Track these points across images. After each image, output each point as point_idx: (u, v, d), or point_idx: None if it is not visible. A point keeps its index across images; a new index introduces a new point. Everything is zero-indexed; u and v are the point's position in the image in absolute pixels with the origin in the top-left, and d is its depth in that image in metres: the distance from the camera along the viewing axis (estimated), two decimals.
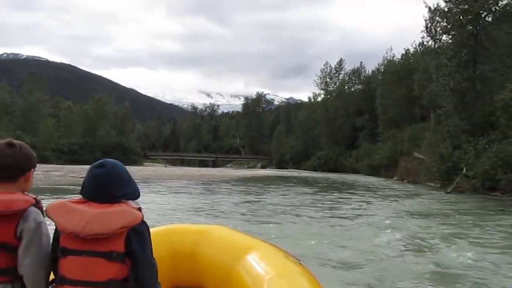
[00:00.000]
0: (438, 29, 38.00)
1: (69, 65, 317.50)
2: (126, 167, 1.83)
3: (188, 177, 30.71)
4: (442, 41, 37.85)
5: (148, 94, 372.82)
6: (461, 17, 26.07)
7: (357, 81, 69.35)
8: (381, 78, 59.00)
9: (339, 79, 71.64)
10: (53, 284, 1.71)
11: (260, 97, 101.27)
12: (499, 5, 25.96)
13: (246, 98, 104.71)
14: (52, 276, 1.73)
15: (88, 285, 1.63)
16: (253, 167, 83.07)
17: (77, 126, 63.34)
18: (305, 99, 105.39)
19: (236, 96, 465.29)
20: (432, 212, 12.63)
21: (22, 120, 57.72)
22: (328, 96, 70.64)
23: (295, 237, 8.00)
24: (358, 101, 65.09)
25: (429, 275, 5.86)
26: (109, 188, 1.70)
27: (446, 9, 27.88)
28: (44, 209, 1.72)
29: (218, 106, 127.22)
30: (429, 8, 34.11)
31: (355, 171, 52.87)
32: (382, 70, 59.61)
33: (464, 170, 21.41)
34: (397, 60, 56.03)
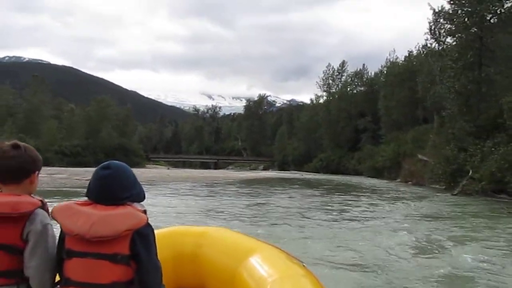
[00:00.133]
0: (442, 31, 38.00)
1: (71, 67, 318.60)
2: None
3: (192, 179, 30.72)
4: (446, 43, 37.85)
5: (150, 96, 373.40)
6: (466, 20, 26.03)
7: (359, 83, 69.29)
8: (383, 80, 59.00)
9: (341, 81, 71.61)
10: (59, 286, 1.71)
11: (262, 99, 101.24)
12: (504, 7, 25.91)
13: (248, 100, 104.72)
14: (57, 278, 1.72)
15: None
16: (255, 169, 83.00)
17: (79, 128, 63.40)
18: (307, 101, 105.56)
19: (238, 98, 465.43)
20: (442, 215, 12.57)
21: (25, 123, 57.82)
22: (331, 98, 70.60)
23: (307, 240, 7.98)
24: (360, 103, 65.01)
25: (440, 278, 5.83)
26: (114, 190, 1.69)
27: (450, 11, 27.82)
28: (50, 211, 1.72)
29: (220, 108, 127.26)
30: (434, 10, 34.02)
31: (358, 173, 52.77)
32: (385, 72, 59.58)
33: (470, 172, 21.33)
34: (400, 62, 55.98)
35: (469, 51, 25.25)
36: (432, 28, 39.33)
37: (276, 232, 8.65)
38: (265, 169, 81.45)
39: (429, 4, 33.83)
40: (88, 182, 1.74)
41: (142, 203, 1.79)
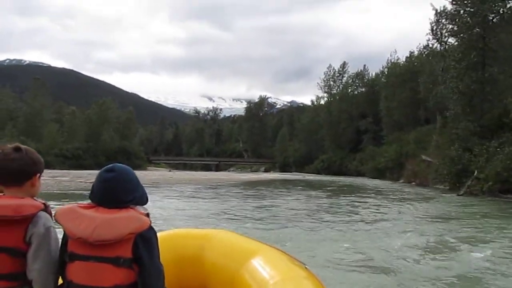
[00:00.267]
0: (444, 31, 38.00)
1: (71, 70, 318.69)
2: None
3: (196, 181, 30.73)
4: (448, 43, 37.83)
5: (150, 99, 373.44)
6: (468, 20, 26.00)
7: (360, 84, 69.24)
8: (384, 80, 58.95)
9: (342, 82, 71.59)
10: None
11: (263, 100, 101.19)
12: (507, 7, 25.89)
13: (249, 102, 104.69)
14: (60, 281, 1.72)
15: None
16: (256, 170, 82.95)
17: (80, 131, 63.35)
18: (307, 103, 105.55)
19: (238, 99, 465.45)
20: (451, 216, 12.51)
21: (26, 126, 57.82)
22: (332, 99, 70.55)
23: (317, 242, 7.95)
24: (361, 104, 64.94)
25: (450, 279, 5.80)
26: (118, 192, 1.69)
27: (453, 12, 27.80)
28: (53, 214, 1.72)
29: (221, 110, 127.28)
30: (436, 10, 33.99)
31: (359, 174, 52.70)
32: (386, 72, 59.53)
33: (476, 172, 21.26)
34: (402, 62, 55.95)
35: (472, 51, 25.22)
36: (434, 28, 39.36)
37: (286, 235, 8.60)
38: (266, 170, 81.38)
39: (431, 5, 33.84)
40: (92, 184, 1.74)
41: (145, 206, 1.78)
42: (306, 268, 2.36)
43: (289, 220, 10.78)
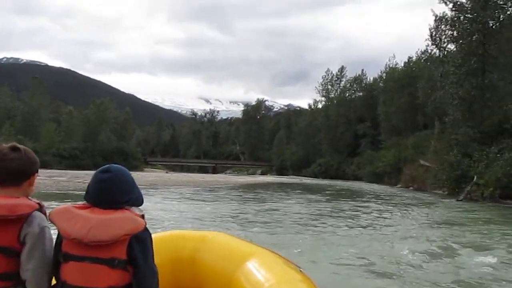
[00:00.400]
0: (443, 37, 38.17)
1: (68, 69, 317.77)
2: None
3: (194, 184, 30.66)
4: (447, 49, 37.99)
5: (147, 100, 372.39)
6: (468, 26, 26.12)
7: (358, 88, 69.39)
8: (382, 85, 59.12)
9: (340, 86, 71.74)
10: None
11: (260, 103, 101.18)
12: (507, 14, 26.04)
13: (246, 105, 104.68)
14: (54, 281, 1.72)
15: None
16: (253, 173, 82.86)
17: (77, 131, 63.13)
18: (304, 106, 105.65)
19: (235, 102, 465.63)
20: (454, 221, 12.48)
21: (23, 125, 57.55)
22: (329, 103, 70.66)
23: (320, 247, 7.88)
24: (359, 108, 65.09)
25: (453, 285, 5.76)
26: (114, 193, 1.69)
27: (454, 18, 27.92)
28: (48, 214, 1.71)
29: (218, 112, 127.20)
30: (436, 16, 34.15)
31: (357, 178, 52.75)
32: (384, 77, 59.69)
33: (475, 178, 21.30)
34: (400, 67, 56.14)
35: (472, 57, 25.31)
36: (433, 34, 39.52)
37: (290, 240, 8.52)
38: (263, 173, 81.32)
39: (432, 10, 33.97)
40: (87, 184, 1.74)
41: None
42: (301, 271, 2.36)
43: (292, 225, 10.72)
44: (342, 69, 73.10)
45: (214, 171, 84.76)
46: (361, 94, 68.22)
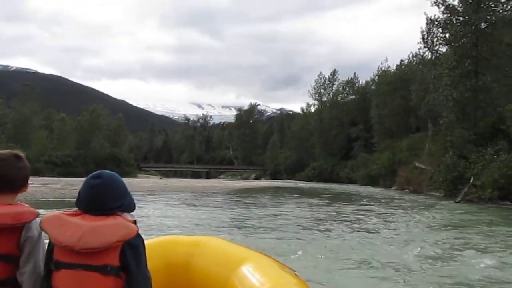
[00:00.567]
0: (435, 40, 38.53)
1: (59, 76, 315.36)
2: (122, 179, 1.82)
3: (191, 189, 30.54)
4: (439, 51, 38.33)
5: (139, 106, 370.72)
6: (462, 29, 26.37)
7: (351, 92, 69.74)
8: (374, 88, 59.47)
9: (332, 90, 72.06)
10: None
11: (253, 107, 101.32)
12: (498, 16, 26.31)
13: (239, 109, 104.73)
14: None
15: None
16: (247, 178, 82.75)
17: (70, 138, 62.63)
18: (296, 110, 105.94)
19: (227, 107, 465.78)
20: (455, 223, 12.48)
21: (14, 132, 56.96)
22: (322, 107, 70.90)
23: (326, 253, 7.79)
24: (352, 112, 65.41)
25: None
26: (105, 199, 1.68)
27: (447, 21, 28.18)
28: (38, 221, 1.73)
29: (210, 117, 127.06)
30: (429, 19, 34.44)
31: (351, 181, 52.85)
32: (376, 80, 60.05)
33: (472, 179, 21.42)
34: (393, 70, 56.54)
35: (466, 60, 25.52)
36: (425, 37, 39.86)
37: (292, 245, 8.42)
38: (257, 178, 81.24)
39: (425, 13, 34.26)
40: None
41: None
42: (296, 275, 2.35)
43: (295, 230, 10.60)
44: (334, 72, 73.52)
45: (208, 176, 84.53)
46: (353, 97, 68.57)
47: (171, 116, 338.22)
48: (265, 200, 21.39)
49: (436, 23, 32.05)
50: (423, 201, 21.78)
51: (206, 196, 24.17)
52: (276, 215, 13.64)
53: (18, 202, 1.76)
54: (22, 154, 1.81)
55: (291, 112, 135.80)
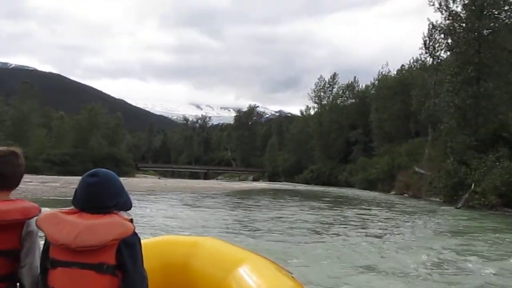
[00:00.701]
0: (437, 45, 38.63)
1: (58, 74, 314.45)
2: (121, 178, 1.83)
3: (190, 190, 30.49)
4: (440, 57, 38.43)
5: (137, 105, 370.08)
6: (464, 35, 26.41)
7: (350, 95, 69.78)
8: (374, 92, 59.53)
9: (332, 93, 72.11)
10: None
11: (252, 109, 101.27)
12: (502, 23, 26.36)
13: (238, 111, 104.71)
14: None
15: None
16: (245, 179, 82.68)
17: (68, 136, 62.38)
18: (295, 112, 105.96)
19: (226, 108, 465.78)
20: (461, 230, 12.43)
21: (13, 130, 56.72)
22: (321, 110, 70.94)
23: (331, 258, 7.77)
24: (352, 115, 65.46)
25: None
26: (102, 197, 1.68)
27: (450, 27, 28.24)
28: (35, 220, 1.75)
29: (210, 118, 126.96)
30: (432, 24, 34.51)
31: (349, 185, 52.90)
32: (377, 84, 60.11)
33: (473, 186, 21.42)
34: (393, 75, 56.62)
35: (469, 66, 25.54)
36: (427, 42, 39.96)
37: (297, 249, 8.39)
38: (255, 179, 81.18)
39: (428, 19, 34.36)
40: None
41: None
42: (293, 277, 2.35)
43: (302, 233, 10.60)
44: (334, 76, 73.56)
45: (206, 177, 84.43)
46: (353, 101, 68.62)
47: (169, 116, 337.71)
48: (267, 202, 21.36)
49: (439, 29, 32.11)
50: (424, 207, 21.77)
51: (207, 197, 24.13)
52: (280, 218, 13.60)
53: (18, 198, 1.79)
54: (19, 152, 1.82)
55: (289, 115, 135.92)
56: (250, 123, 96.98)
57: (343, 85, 70.91)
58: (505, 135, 21.86)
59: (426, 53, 41.01)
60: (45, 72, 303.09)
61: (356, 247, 9.01)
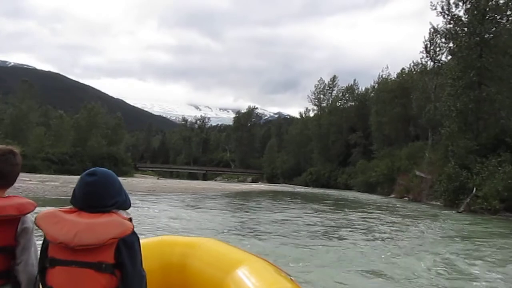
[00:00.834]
0: (438, 49, 38.71)
1: (57, 73, 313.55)
2: (120, 178, 1.82)
3: (191, 190, 30.43)
4: (441, 61, 38.49)
5: (136, 105, 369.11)
6: (467, 40, 26.43)
7: (350, 98, 69.81)
8: (373, 96, 59.56)
9: (332, 95, 72.16)
10: None
11: (251, 111, 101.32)
12: (504, 28, 26.40)
13: (237, 112, 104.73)
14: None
15: None
16: (243, 181, 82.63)
17: (67, 136, 62.17)
18: (294, 114, 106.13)
19: (225, 109, 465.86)
20: (466, 235, 12.35)
21: (12, 128, 56.48)
22: (321, 112, 70.96)
23: (339, 263, 7.71)
24: (351, 118, 65.48)
25: None
26: (100, 196, 1.68)
27: (452, 31, 28.26)
28: (33, 218, 1.74)
29: (209, 119, 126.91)
30: (433, 28, 34.55)
31: (348, 188, 52.90)
32: (376, 87, 60.15)
33: (475, 190, 21.40)
34: (393, 78, 56.68)
35: (471, 71, 25.55)
36: (428, 46, 40.03)
37: (303, 252, 8.33)
38: (253, 181, 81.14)
39: (430, 23, 34.42)
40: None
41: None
42: (291, 279, 2.34)
43: (307, 236, 10.53)
44: (334, 78, 73.65)
45: (205, 178, 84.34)
46: (353, 103, 68.64)
47: (168, 117, 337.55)
48: (269, 204, 21.30)
49: (441, 33, 32.14)
50: (425, 210, 21.74)
51: (209, 198, 24.07)
52: (286, 221, 13.53)
53: (14, 195, 1.80)
54: (17, 151, 1.84)
55: (288, 117, 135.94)
56: (249, 124, 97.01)
57: (343, 88, 71.01)
58: (507, 140, 21.84)
59: (427, 57, 41.13)
60: (45, 71, 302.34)
61: (362, 251, 8.96)
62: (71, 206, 1.72)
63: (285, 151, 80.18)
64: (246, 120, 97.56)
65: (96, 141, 62.82)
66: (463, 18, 28.09)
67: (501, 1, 26.99)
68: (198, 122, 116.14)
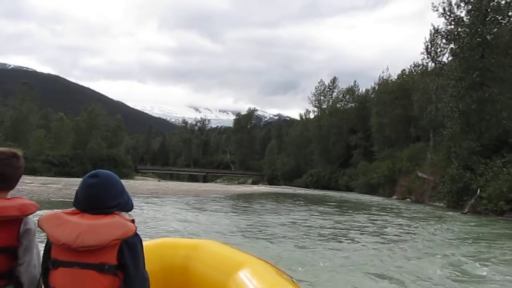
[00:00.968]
0: (439, 50, 38.70)
1: (56, 76, 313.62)
2: (121, 180, 1.82)
3: (194, 193, 30.40)
4: (442, 62, 38.47)
5: (136, 107, 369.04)
6: (469, 40, 26.41)
7: (350, 100, 69.81)
8: (373, 97, 59.56)
9: (332, 97, 72.17)
10: None
11: (251, 113, 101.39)
12: (506, 29, 26.39)
13: (237, 114, 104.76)
14: None
15: None
16: (244, 183, 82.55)
17: (67, 138, 62.13)
18: (294, 116, 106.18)
19: (225, 111, 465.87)
20: (475, 237, 12.26)
21: (12, 131, 56.41)
22: (321, 114, 70.94)
23: (349, 267, 7.62)
24: (352, 119, 65.45)
25: None
26: (102, 198, 1.68)
27: (454, 32, 28.24)
28: (36, 220, 1.75)
29: (209, 121, 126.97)
30: (434, 29, 34.53)
31: (349, 189, 52.83)
32: (377, 89, 60.15)
33: (479, 191, 21.34)
34: (393, 79, 56.67)
35: (473, 72, 25.53)
36: (429, 47, 40.02)
37: (316, 256, 8.25)
38: (254, 183, 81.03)
39: (431, 24, 34.41)
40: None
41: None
42: (293, 281, 2.34)
43: (317, 239, 10.47)
44: (334, 80, 73.65)
45: (205, 180, 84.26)
46: (353, 105, 68.64)
47: (168, 119, 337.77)
48: (273, 206, 21.25)
49: (442, 34, 32.12)
50: (430, 212, 21.67)
51: (213, 200, 24.03)
52: (294, 223, 13.47)
53: (16, 196, 1.81)
54: (20, 154, 1.86)
55: (288, 118, 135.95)
56: (249, 126, 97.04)
57: (343, 89, 71.05)
58: (510, 141, 21.80)
59: (428, 58, 41.12)
60: (45, 74, 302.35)
61: (370, 254, 8.88)
62: (73, 208, 1.72)
63: (285, 153, 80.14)
64: (246, 122, 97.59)
65: (96, 143, 62.76)
66: (464, 19, 28.07)
67: (503, 2, 27.02)
68: (198, 124, 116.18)
